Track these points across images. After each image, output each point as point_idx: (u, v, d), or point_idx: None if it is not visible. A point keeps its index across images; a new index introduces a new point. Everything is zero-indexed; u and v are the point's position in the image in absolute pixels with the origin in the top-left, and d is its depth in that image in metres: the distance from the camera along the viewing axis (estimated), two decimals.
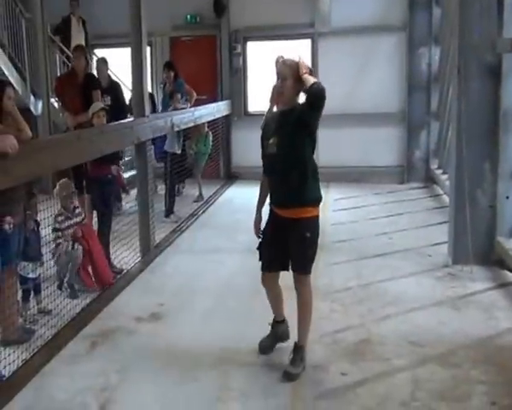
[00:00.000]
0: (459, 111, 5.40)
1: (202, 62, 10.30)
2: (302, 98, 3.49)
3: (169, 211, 7.66)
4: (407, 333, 4.10)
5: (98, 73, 7.59)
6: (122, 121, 6.51)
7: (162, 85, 9.08)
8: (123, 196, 6.97)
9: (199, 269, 5.62)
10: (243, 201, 8.39)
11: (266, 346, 3.85)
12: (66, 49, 9.32)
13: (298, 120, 3.41)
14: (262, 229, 3.75)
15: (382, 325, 4.26)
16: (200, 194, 8.73)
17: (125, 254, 5.81)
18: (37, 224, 4.50)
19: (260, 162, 3.72)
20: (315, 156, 3.61)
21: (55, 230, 4.87)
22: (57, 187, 5.06)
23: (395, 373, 3.61)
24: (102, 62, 7.87)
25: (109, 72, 7.99)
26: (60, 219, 4.92)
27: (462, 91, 5.37)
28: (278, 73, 3.50)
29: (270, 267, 3.71)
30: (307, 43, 9.92)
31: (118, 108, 7.08)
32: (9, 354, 3.74)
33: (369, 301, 4.72)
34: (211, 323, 4.39)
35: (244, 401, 3.32)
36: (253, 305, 4.64)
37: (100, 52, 10.62)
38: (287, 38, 9.90)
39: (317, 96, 3.33)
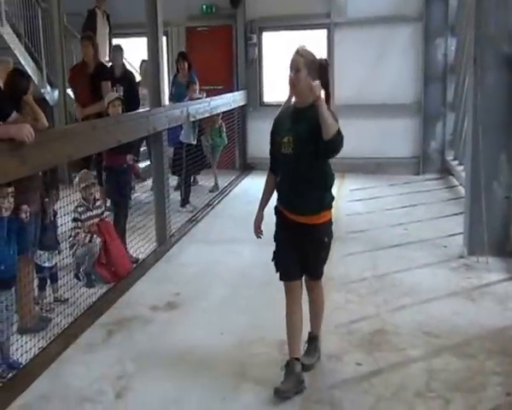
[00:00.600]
0: (475, 102, 5.34)
1: (218, 53, 10.29)
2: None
3: (185, 201, 7.69)
4: (422, 323, 4.10)
5: (113, 61, 7.51)
6: (138, 111, 6.56)
7: (172, 76, 8.93)
8: (138, 185, 6.98)
9: (214, 259, 5.65)
10: (258, 191, 8.34)
11: (283, 390, 3.27)
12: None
13: (314, 134, 3.09)
14: (275, 235, 3.45)
15: (397, 316, 4.26)
16: (216, 184, 8.75)
17: (140, 244, 5.85)
18: (55, 213, 4.54)
19: None
20: None
21: (74, 220, 4.93)
22: (77, 178, 5.10)
23: (410, 363, 3.62)
24: (117, 50, 7.70)
25: (124, 61, 7.88)
26: (80, 209, 4.98)
27: (478, 82, 5.32)
28: (291, 63, 3.20)
29: (292, 275, 3.39)
30: (323, 33, 9.86)
31: (130, 99, 6.90)
32: (26, 342, 3.79)
33: (385, 292, 4.71)
34: (226, 312, 4.41)
35: (259, 390, 3.34)
36: (267, 295, 4.64)
37: (117, 42, 10.67)
38: (302, 29, 9.83)
39: (335, 151, 3.11)
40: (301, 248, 3.34)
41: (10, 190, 3.38)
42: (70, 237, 4.96)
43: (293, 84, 3.19)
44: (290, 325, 3.40)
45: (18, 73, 4.39)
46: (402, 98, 9.47)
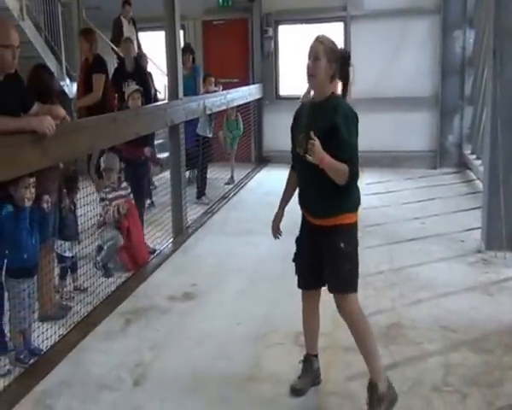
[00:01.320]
0: (494, 95, 5.29)
1: (234, 46, 10.31)
2: (338, 88, 3.05)
3: (201, 193, 7.73)
4: (439, 318, 4.08)
5: (124, 55, 7.22)
6: (156, 104, 6.58)
7: None
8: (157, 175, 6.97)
9: (230, 250, 5.68)
10: (274, 184, 8.30)
11: (299, 389, 3.26)
12: (115, 48, 8.93)
13: (328, 133, 2.85)
14: (296, 238, 3.26)
15: (414, 310, 4.24)
16: (232, 177, 8.79)
17: (157, 235, 5.91)
18: (74, 204, 4.61)
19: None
20: None
21: (102, 199, 5.06)
22: (102, 160, 5.18)
23: (427, 358, 3.60)
24: (127, 42, 7.22)
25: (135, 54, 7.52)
26: (107, 189, 5.12)
27: (497, 75, 5.26)
28: (310, 50, 2.93)
29: (306, 284, 3.21)
30: (340, 26, 9.82)
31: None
32: (47, 330, 3.86)
33: (401, 286, 4.70)
34: (242, 304, 4.45)
35: (275, 380, 3.37)
36: (284, 287, 4.64)
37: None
38: (319, 22, 9.78)
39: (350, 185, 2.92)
40: (319, 255, 3.06)
41: (32, 180, 3.43)
42: (99, 215, 5.08)
43: (311, 73, 2.92)
44: (305, 328, 3.35)
45: (41, 68, 4.47)
46: (419, 91, 9.38)
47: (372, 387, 3.01)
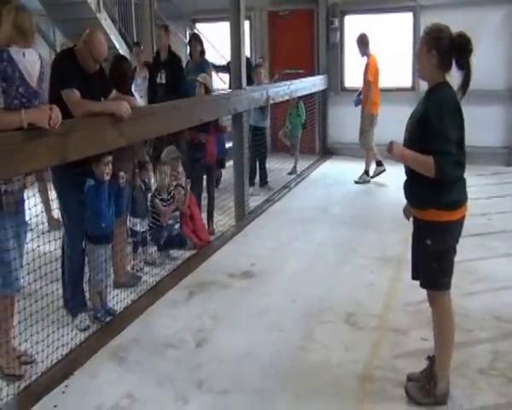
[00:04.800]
0: None
1: (299, 36, 10.29)
2: (452, 76, 2.91)
3: (263, 181, 7.91)
4: (493, 309, 4.10)
5: (158, 44, 7.03)
6: (221, 92, 6.75)
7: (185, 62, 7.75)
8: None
9: (290, 236, 5.87)
10: (337, 176, 8.55)
11: (412, 379, 3.20)
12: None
13: (423, 119, 2.82)
14: None
15: (468, 300, 4.23)
16: (295, 167, 8.83)
17: (220, 218, 6.22)
18: (145, 184, 5.00)
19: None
20: None
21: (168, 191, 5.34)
22: (165, 152, 5.52)
23: (476, 344, 3.67)
24: (162, 29, 6.86)
25: (170, 43, 6.90)
26: (172, 177, 5.41)
27: None
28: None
29: (412, 273, 3.14)
30: (409, 16, 9.53)
31: (172, 86, 6.38)
32: (119, 294, 4.28)
33: (459, 278, 4.55)
34: (298, 284, 4.66)
35: (325, 352, 3.59)
36: (339, 272, 4.88)
37: (200, 26, 11.06)
38: (386, 12, 9.58)
39: (446, 178, 2.81)
40: (416, 247, 3.05)
41: (110, 158, 3.81)
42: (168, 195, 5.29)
43: (417, 66, 2.98)
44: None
45: (121, 60, 4.90)
46: (493, 84, 8.70)
47: (434, 376, 3.04)
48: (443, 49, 2.81)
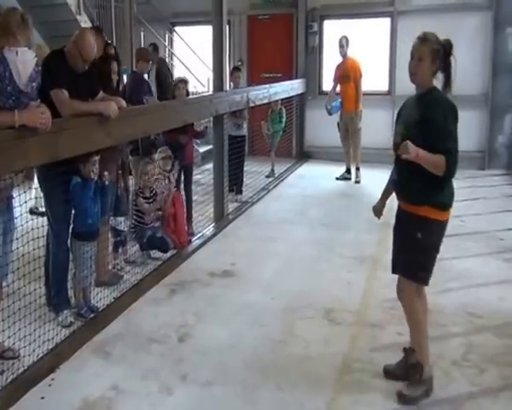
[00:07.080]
0: None
1: (279, 41, 10.39)
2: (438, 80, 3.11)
3: (238, 190, 7.68)
4: (467, 305, 4.24)
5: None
6: (203, 94, 6.86)
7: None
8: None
9: (268, 236, 5.99)
10: (314, 179, 8.72)
11: (389, 370, 3.36)
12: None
13: (422, 123, 2.98)
14: None
15: (443, 297, 4.35)
16: (272, 170, 8.93)
17: (199, 219, 6.29)
18: (127, 187, 5.06)
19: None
20: None
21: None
22: (158, 152, 5.58)
23: (450, 338, 3.81)
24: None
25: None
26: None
27: None
28: (414, 51, 3.05)
29: (393, 267, 3.28)
30: (386, 22, 9.68)
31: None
32: (102, 292, 4.34)
33: (434, 275, 4.66)
34: (277, 281, 4.78)
35: (305, 345, 3.71)
36: (317, 269, 5.03)
37: (179, 30, 11.16)
38: (365, 17, 9.74)
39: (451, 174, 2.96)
40: (398, 240, 3.22)
41: (97, 157, 3.87)
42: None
43: (414, 72, 3.05)
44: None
45: (105, 59, 4.89)
46: (468, 89, 8.57)
47: (417, 366, 3.15)
48: (441, 58, 3.06)
